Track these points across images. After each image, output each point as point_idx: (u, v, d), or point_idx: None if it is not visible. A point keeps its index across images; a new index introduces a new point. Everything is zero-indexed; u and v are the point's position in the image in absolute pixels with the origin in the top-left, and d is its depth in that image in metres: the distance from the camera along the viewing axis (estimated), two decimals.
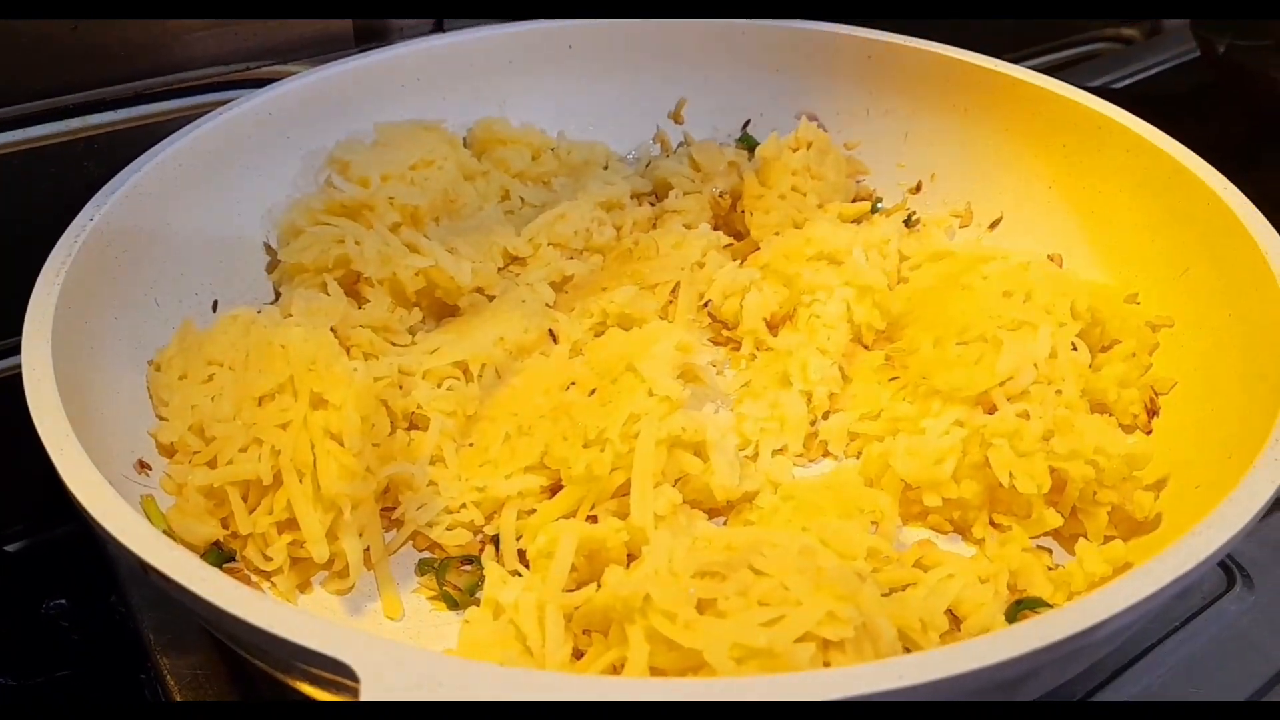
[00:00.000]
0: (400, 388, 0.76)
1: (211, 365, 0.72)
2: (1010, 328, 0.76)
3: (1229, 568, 0.75)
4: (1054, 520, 0.70)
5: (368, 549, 0.67)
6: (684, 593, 0.53)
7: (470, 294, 0.84)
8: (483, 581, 0.66)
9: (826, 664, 0.51)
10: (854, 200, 1.00)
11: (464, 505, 0.71)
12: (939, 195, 1.00)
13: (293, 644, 0.45)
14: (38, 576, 0.83)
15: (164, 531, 0.64)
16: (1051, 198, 0.91)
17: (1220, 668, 0.70)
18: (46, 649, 0.77)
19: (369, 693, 0.43)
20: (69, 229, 0.70)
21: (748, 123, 1.05)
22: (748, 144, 1.04)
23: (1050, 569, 0.68)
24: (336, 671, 0.44)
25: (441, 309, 0.86)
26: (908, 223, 0.99)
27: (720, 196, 0.98)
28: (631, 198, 0.98)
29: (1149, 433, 0.76)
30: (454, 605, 0.67)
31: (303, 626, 0.45)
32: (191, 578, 0.48)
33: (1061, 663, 0.50)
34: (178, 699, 0.66)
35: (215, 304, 0.82)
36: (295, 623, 0.45)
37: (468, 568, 0.70)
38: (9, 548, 0.86)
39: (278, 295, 0.86)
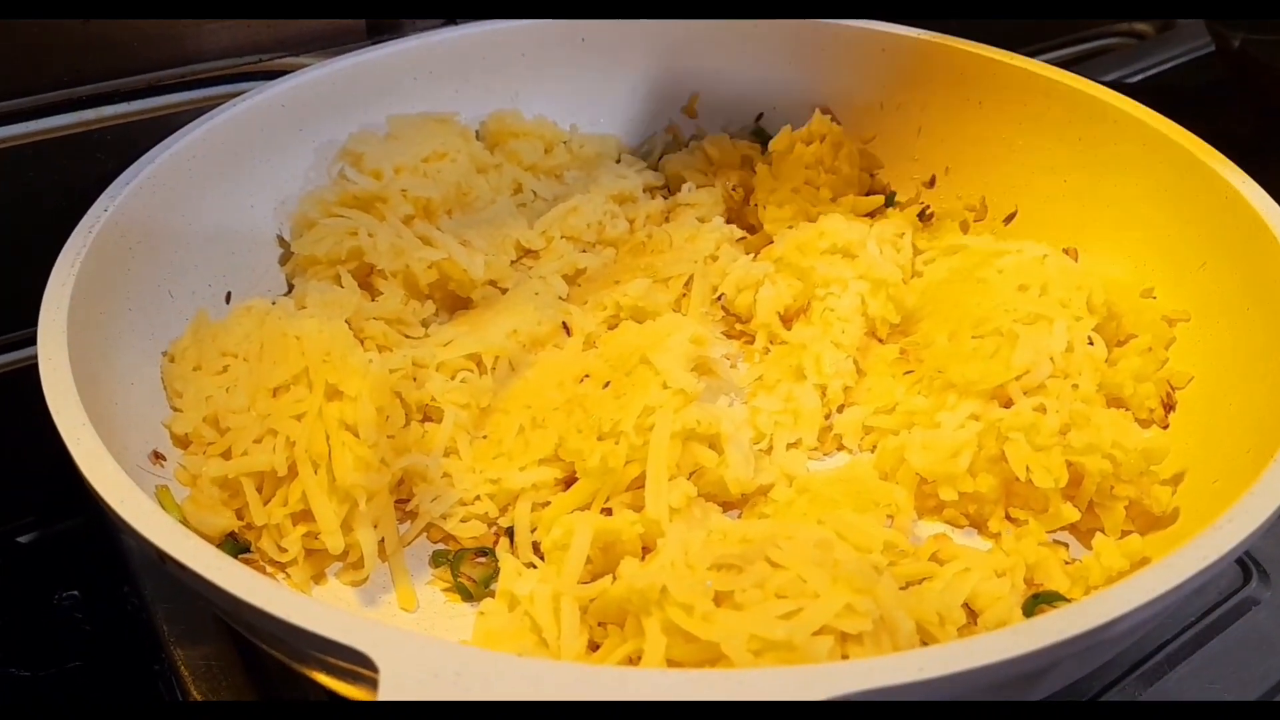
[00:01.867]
0: (414, 380, 0.76)
1: (226, 356, 0.72)
2: (1026, 321, 0.76)
3: (1246, 564, 0.75)
4: (1071, 514, 0.69)
5: (382, 541, 0.67)
6: (701, 585, 0.53)
7: (483, 286, 0.84)
8: (497, 573, 0.66)
9: (845, 657, 0.50)
10: (867, 194, 0.99)
11: (478, 497, 0.71)
12: (953, 189, 0.99)
13: (312, 634, 0.45)
14: (50, 568, 0.83)
15: (179, 522, 0.64)
16: (1066, 191, 0.91)
17: (1237, 664, 0.69)
18: (59, 640, 0.77)
19: (387, 682, 0.42)
20: (83, 221, 0.70)
21: (760, 116, 1.05)
22: (760, 137, 1.04)
23: (1067, 563, 0.68)
24: (355, 661, 0.44)
25: (454, 301, 0.86)
26: (922, 216, 0.98)
27: (733, 190, 0.98)
28: (644, 191, 0.98)
29: (1166, 427, 0.76)
30: (468, 597, 0.67)
31: (322, 617, 0.45)
32: (209, 567, 0.48)
33: (1079, 657, 0.49)
34: (191, 690, 0.66)
35: (229, 296, 0.82)
36: (314, 613, 0.45)
37: (482, 560, 0.70)
38: (21, 539, 0.86)
39: (290, 287, 0.86)
